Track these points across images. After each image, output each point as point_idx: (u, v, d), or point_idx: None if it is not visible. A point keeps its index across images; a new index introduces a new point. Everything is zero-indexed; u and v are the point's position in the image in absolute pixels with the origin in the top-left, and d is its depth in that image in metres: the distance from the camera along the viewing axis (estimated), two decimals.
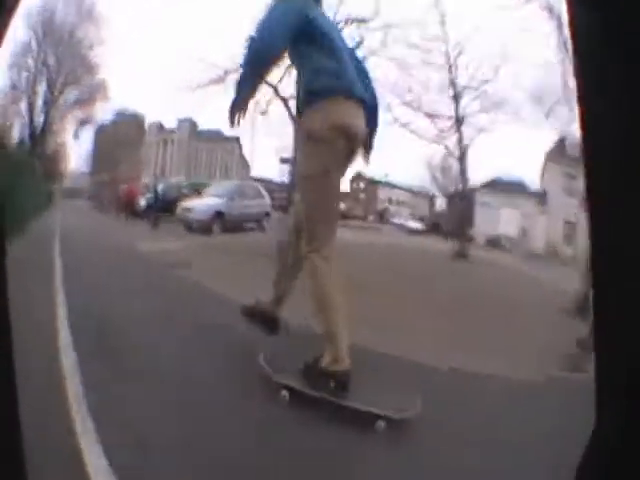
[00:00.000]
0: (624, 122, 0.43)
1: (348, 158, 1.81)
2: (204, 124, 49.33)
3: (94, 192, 50.73)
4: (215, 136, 47.42)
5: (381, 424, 1.58)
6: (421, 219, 34.38)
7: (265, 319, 2.06)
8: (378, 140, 2.01)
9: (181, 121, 50.21)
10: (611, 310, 0.48)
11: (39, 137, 23.07)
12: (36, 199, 10.16)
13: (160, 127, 44.91)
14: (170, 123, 47.06)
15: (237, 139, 50.82)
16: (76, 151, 45.37)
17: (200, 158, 49.33)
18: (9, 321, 0.57)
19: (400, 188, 44.40)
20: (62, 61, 24.51)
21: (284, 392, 1.71)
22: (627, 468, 0.46)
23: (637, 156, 0.43)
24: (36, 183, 10.43)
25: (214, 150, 50.87)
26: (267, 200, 12.28)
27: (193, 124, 50.53)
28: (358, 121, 1.74)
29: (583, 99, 0.47)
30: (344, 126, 1.69)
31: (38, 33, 23.16)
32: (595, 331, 0.49)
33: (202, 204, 10.34)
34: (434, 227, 28.71)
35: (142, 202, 12.61)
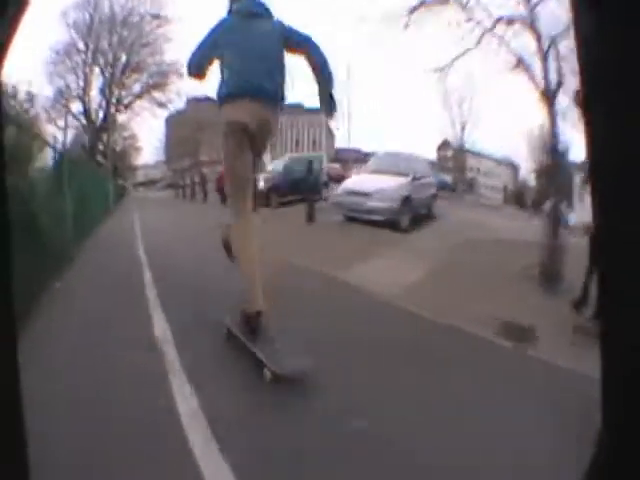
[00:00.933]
0: (630, 125, 0.43)
1: (249, 142, 2.31)
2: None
3: (174, 180, 49.28)
4: (299, 108, 43.36)
5: (267, 373, 1.92)
6: (504, 189, 33.57)
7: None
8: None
9: None
10: (618, 306, 0.48)
11: (99, 133, 23.02)
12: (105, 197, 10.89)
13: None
14: None
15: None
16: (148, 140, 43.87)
17: (285, 132, 44.56)
18: (14, 318, 0.55)
19: (487, 157, 42.98)
20: (119, 49, 23.72)
21: (225, 331, 2.38)
22: (635, 468, 0.46)
23: None
24: (102, 181, 11.09)
25: (299, 123, 46.02)
26: (433, 178, 9.86)
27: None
28: (245, 114, 2.27)
29: (588, 103, 0.48)
30: (234, 122, 2.32)
31: (81, 28, 22.39)
32: (601, 327, 0.49)
33: (386, 186, 7.32)
34: (518, 198, 27.93)
35: (261, 183, 8.78)
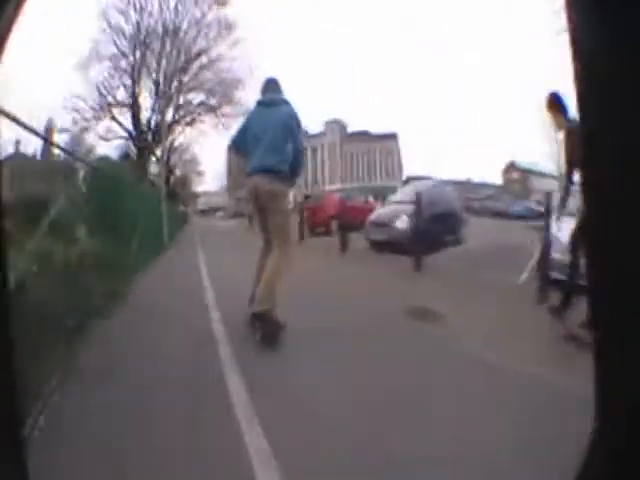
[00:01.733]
0: (625, 126, 0.44)
1: (260, 206, 2.95)
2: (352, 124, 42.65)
3: (238, 208, 48.14)
4: (369, 135, 41.25)
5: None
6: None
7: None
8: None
9: (329, 123, 46.25)
10: (611, 310, 0.49)
11: (151, 147, 20.56)
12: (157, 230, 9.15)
13: (305, 133, 38.79)
14: (315, 127, 40.52)
15: (395, 135, 44.01)
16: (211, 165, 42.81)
17: (355, 161, 42.48)
18: (9, 321, 0.57)
19: (551, 177, 36.56)
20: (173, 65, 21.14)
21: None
22: (629, 470, 0.47)
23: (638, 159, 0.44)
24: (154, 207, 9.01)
25: (371, 151, 43.63)
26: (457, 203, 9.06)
27: (343, 126, 45.09)
28: (251, 187, 2.95)
29: (583, 101, 0.49)
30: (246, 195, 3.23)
31: (124, 34, 19.87)
32: (594, 330, 0.50)
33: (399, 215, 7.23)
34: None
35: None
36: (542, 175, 38.91)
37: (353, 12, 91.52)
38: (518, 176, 40.80)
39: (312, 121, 43.86)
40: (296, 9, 70.30)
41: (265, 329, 2.61)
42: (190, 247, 9.73)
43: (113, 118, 19.65)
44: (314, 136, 41.43)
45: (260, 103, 3.13)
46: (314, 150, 43.46)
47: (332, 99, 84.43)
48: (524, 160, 37.37)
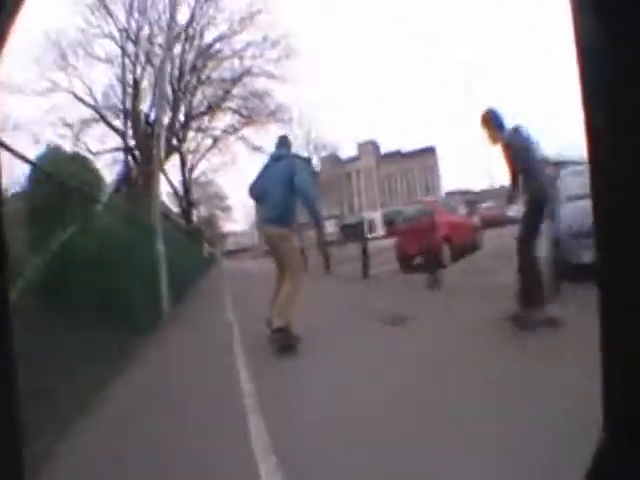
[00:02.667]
0: (629, 127, 0.45)
1: (271, 247, 3.91)
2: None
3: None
4: (405, 153, 37.89)
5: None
6: None
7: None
8: None
9: (362, 145, 43.70)
10: (618, 309, 0.48)
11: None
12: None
13: (335, 158, 35.19)
14: (347, 151, 37.33)
15: (433, 150, 40.59)
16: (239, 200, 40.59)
17: (394, 183, 38.84)
18: (11, 325, 0.58)
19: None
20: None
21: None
22: (637, 469, 0.47)
23: None
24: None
25: (408, 169, 40.10)
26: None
27: (376, 146, 42.22)
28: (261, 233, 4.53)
29: (587, 104, 0.49)
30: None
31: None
32: (601, 327, 0.49)
33: None
34: None
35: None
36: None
37: (374, 31, 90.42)
38: None
39: (344, 145, 40.62)
40: (320, 31, 69.52)
41: (282, 341, 3.38)
42: (219, 308, 6.59)
43: (109, 124, 16.72)
44: (347, 161, 38.17)
45: (271, 157, 4.02)
46: (348, 176, 40.01)
47: (360, 119, 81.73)
48: None
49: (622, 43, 0.43)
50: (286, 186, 3.56)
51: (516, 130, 3.43)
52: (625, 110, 0.44)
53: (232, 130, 20.20)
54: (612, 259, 0.49)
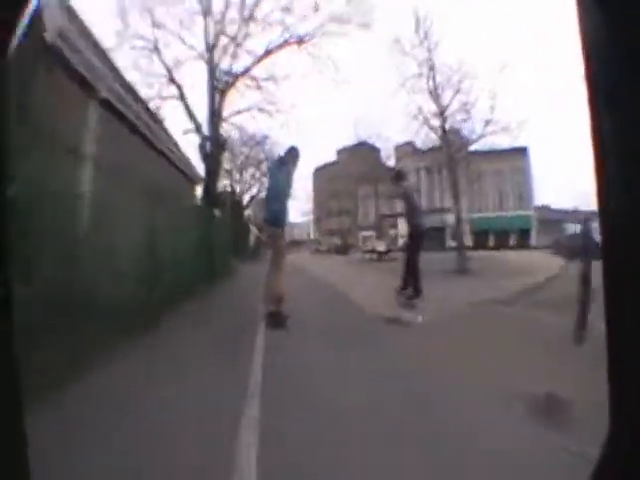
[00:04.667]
0: (634, 126, 0.46)
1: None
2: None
3: (327, 241, 42.53)
4: (494, 151, 33.56)
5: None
6: None
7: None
8: None
9: (444, 137, 37.76)
10: (625, 313, 0.50)
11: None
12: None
13: (414, 148, 31.51)
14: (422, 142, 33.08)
15: (525, 150, 35.91)
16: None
17: (483, 183, 34.48)
18: (12, 318, 0.60)
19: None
20: None
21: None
22: None
23: None
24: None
25: (498, 170, 35.75)
26: None
27: (461, 137, 37.50)
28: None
29: (593, 103, 0.50)
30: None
31: None
32: (608, 331, 0.52)
33: None
34: None
35: None
36: None
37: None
38: None
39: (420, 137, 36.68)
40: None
41: (273, 322, 4.64)
42: None
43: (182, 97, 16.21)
44: (426, 152, 34.16)
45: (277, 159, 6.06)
46: (429, 170, 35.92)
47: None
48: None
49: (627, 43, 0.44)
50: (282, 189, 5.15)
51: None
52: (630, 110, 0.45)
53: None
54: (618, 259, 0.50)
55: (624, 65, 0.44)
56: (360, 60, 34.39)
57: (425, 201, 33.44)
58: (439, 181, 36.03)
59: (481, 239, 34.52)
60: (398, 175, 7.08)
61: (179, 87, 15.41)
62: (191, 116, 15.20)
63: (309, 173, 53.55)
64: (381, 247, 22.66)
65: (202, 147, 15.00)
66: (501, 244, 34.45)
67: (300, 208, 48.78)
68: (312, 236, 56.60)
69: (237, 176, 33.91)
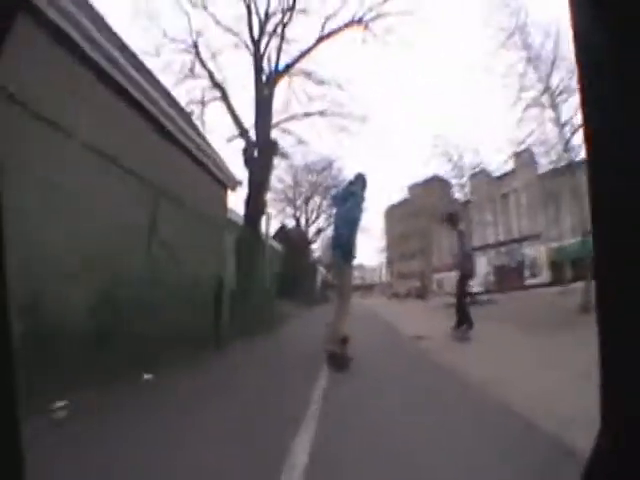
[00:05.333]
0: (628, 127, 0.47)
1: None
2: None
3: (403, 284, 40.16)
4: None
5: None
6: None
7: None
8: None
9: (518, 155, 34.82)
10: (615, 310, 0.51)
11: None
12: None
13: (488, 176, 29.42)
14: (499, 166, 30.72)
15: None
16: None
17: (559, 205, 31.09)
18: (10, 319, 0.60)
19: None
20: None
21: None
22: (635, 471, 0.49)
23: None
24: None
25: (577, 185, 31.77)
26: None
27: (532, 155, 34.31)
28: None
29: (585, 102, 0.52)
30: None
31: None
32: (599, 329, 0.52)
33: None
34: None
35: None
36: None
37: None
38: None
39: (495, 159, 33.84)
40: None
41: (334, 364, 4.53)
42: None
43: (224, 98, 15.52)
44: (501, 177, 31.37)
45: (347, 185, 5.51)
46: (505, 197, 33.04)
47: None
48: None
49: (621, 43, 0.44)
50: (345, 224, 4.94)
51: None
52: (624, 111, 0.45)
53: None
54: (610, 259, 0.50)
55: (621, 64, 0.44)
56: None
57: (503, 231, 30.28)
58: (516, 207, 32.65)
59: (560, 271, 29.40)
60: (451, 218, 7.57)
61: (222, 88, 14.18)
62: (236, 119, 13.61)
63: (380, 212, 52.72)
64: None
65: (246, 151, 13.17)
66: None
67: (373, 249, 47.82)
68: (384, 279, 54.51)
69: (302, 206, 34.32)
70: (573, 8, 0.49)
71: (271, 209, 35.39)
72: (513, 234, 33.08)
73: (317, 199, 33.73)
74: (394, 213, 51.84)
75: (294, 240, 32.22)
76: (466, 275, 6.89)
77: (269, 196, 34.91)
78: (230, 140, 14.20)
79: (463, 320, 6.60)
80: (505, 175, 27.76)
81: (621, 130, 0.45)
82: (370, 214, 66.00)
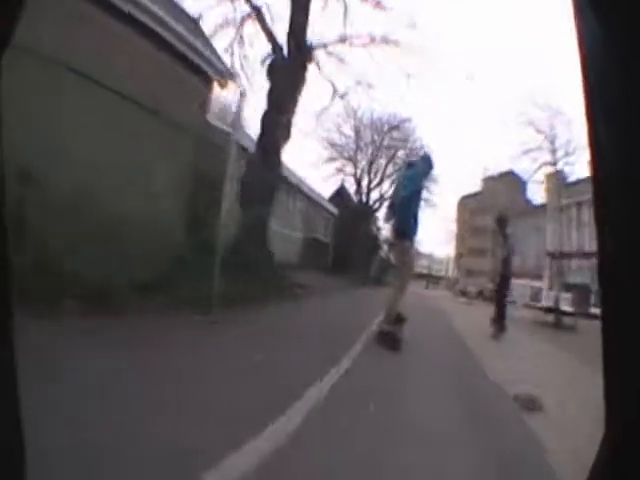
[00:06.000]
0: (630, 132, 0.47)
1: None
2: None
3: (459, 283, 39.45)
4: None
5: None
6: None
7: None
8: None
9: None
10: (618, 311, 0.52)
11: None
12: None
13: (564, 179, 27.53)
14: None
15: None
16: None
17: None
18: (12, 317, 0.59)
19: None
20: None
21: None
22: (637, 477, 0.50)
23: None
24: None
25: None
26: None
27: None
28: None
29: (589, 108, 0.52)
30: None
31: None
32: (603, 329, 0.53)
33: None
34: None
35: None
36: None
37: None
38: None
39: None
40: None
41: (386, 344, 4.42)
42: None
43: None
44: (576, 183, 29.61)
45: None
46: (579, 205, 31.14)
47: None
48: None
49: (625, 49, 0.45)
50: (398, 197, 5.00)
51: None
52: (628, 117, 0.46)
53: None
54: (614, 262, 0.51)
55: (624, 71, 0.45)
56: None
57: (575, 244, 27.97)
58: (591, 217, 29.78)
59: None
60: (500, 221, 7.93)
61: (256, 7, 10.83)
62: (269, 34, 10.32)
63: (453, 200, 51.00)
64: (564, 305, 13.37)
65: (270, 61, 10.44)
66: None
67: (442, 239, 46.32)
68: (450, 273, 53.36)
69: (365, 167, 30.31)
70: (577, 16, 0.50)
71: (328, 168, 30.40)
72: (585, 247, 29.42)
73: (382, 161, 30.12)
74: (466, 205, 50.09)
75: (352, 206, 28.86)
76: (506, 281, 7.63)
77: (325, 152, 30.07)
78: (264, 61, 11.16)
79: (501, 317, 7.29)
80: (583, 181, 25.71)
81: (627, 139, 0.45)
82: (442, 200, 63.81)
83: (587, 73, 0.50)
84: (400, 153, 29.58)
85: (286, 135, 9.96)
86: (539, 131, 24.61)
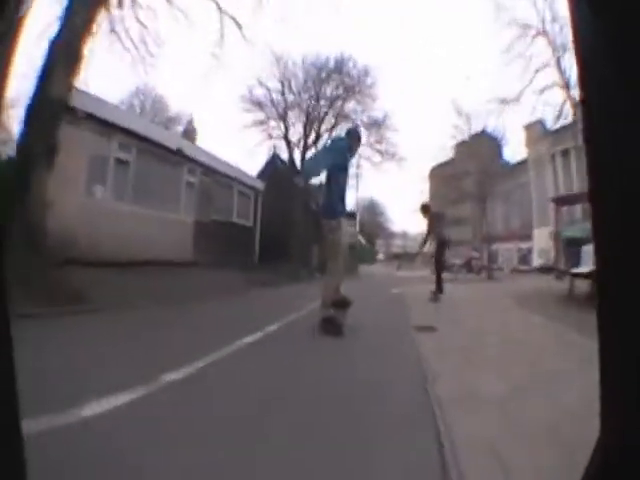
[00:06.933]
0: (627, 126, 0.47)
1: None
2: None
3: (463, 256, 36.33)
4: None
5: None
6: None
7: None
8: None
9: None
10: (616, 313, 0.52)
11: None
12: None
13: (544, 128, 25.24)
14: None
15: None
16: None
17: None
18: (9, 317, 0.62)
19: None
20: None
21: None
22: (635, 472, 0.50)
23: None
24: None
25: None
26: None
27: None
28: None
29: (586, 103, 0.52)
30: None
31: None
32: (599, 332, 0.53)
33: None
34: None
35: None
36: None
37: None
38: None
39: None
40: None
41: (326, 329, 4.41)
42: None
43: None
44: (559, 131, 26.96)
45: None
46: (566, 154, 28.74)
47: None
48: None
49: (620, 47, 0.46)
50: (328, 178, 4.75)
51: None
52: (623, 112, 0.47)
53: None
54: (610, 263, 0.52)
55: (619, 67, 0.46)
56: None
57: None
58: (579, 167, 27.49)
59: None
60: (424, 209, 9.50)
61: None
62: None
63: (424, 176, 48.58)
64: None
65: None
66: None
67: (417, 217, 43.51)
68: (427, 248, 50.07)
69: (295, 122, 23.82)
70: (573, 10, 0.52)
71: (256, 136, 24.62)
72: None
73: (330, 119, 24.07)
74: (438, 175, 47.21)
75: (280, 175, 22.28)
76: (442, 244, 9.10)
77: (247, 115, 24.01)
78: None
79: (439, 291, 8.66)
80: (564, 128, 22.77)
81: (622, 129, 0.46)
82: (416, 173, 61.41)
83: (584, 75, 0.51)
84: (352, 105, 24.86)
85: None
86: None
